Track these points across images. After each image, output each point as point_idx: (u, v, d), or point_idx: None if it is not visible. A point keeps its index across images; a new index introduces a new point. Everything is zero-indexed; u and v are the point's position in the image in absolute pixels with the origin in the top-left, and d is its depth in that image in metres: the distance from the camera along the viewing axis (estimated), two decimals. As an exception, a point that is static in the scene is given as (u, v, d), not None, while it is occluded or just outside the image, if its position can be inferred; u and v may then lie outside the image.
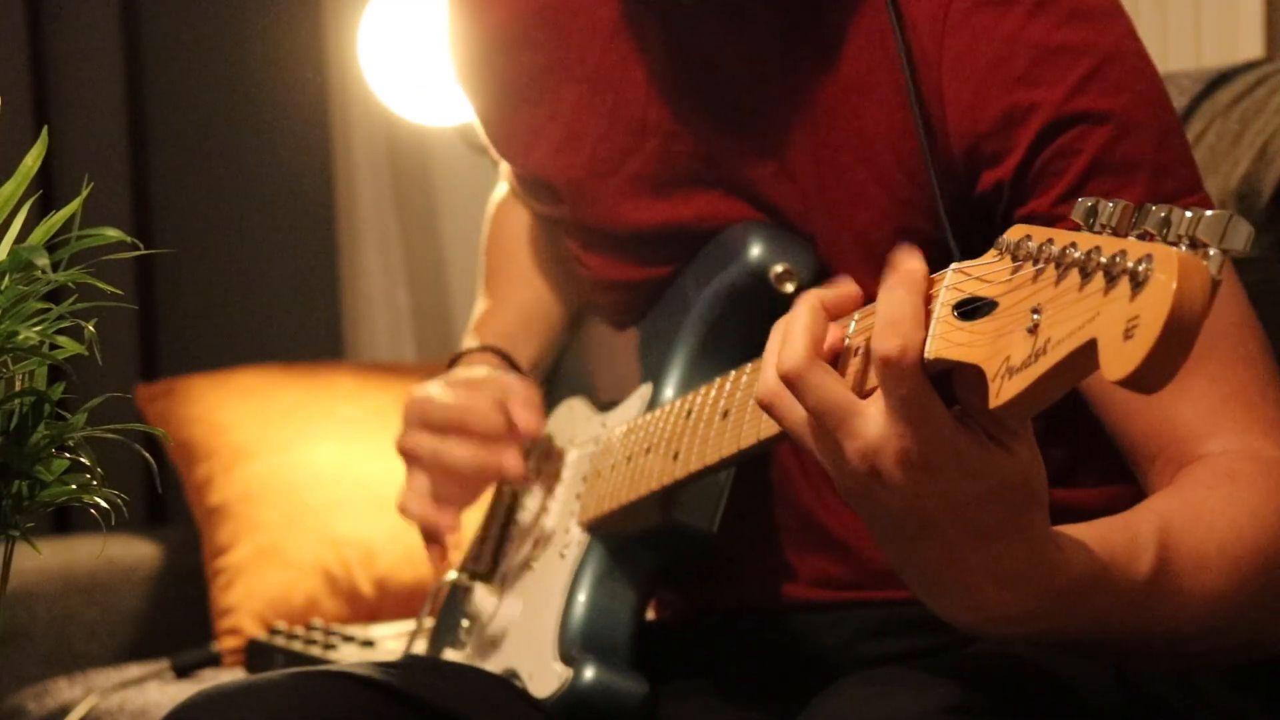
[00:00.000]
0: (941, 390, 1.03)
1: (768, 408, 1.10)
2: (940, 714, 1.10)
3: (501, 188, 1.73)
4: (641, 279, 1.46)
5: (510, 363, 1.57)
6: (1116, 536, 1.12)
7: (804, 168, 1.35)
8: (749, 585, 1.43)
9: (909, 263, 1.05)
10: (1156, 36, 2.33)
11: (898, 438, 1.02)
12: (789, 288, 1.35)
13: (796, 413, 1.08)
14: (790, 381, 1.07)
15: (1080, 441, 1.32)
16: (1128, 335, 0.86)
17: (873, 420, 1.03)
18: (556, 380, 1.60)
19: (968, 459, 1.02)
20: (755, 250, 1.36)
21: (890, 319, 1.02)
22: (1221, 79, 1.82)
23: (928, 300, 1.03)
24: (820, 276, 1.35)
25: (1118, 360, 0.87)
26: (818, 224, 1.36)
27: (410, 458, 1.51)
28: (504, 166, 1.67)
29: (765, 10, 1.36)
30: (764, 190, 1.37)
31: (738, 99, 1.38)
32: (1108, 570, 1.10)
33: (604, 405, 1.49)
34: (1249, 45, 2.29)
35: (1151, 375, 0.86)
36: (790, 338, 1.08)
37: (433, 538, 1.51)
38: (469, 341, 1.61)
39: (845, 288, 1.11)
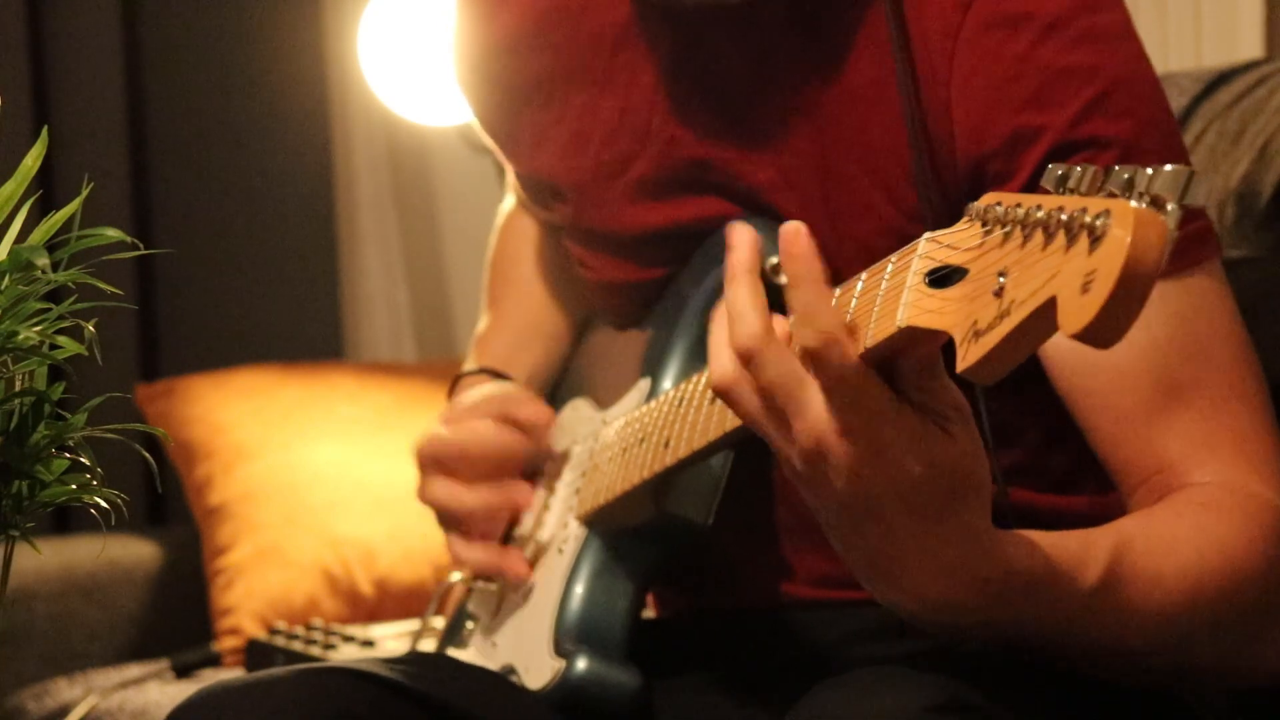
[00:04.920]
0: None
1: (725, 393, 1.12)
2: (924, 713, 1.10)
3: (509, 200, 1.72)
4: (642, 280, 1.46)
5: (506, 381, 1.58)
6: (1069, 544, 1.13)
7: (807, 176, 1.35)
8: (748, 584, 1.43)
9: (800, 254, 1.08)
10: (1156, 36, 2.33)
11: (840, 416, 1.05)
12: (784, 280, 1.35)
13: (751, 400, 1.10)
14: (748, 357, 1.08)
15: (1081, 450, 1.32)
16: (1084, 289, 0.87)
17: (819, 400, 1.06)
18: (561, 383, 1.61)
19: (910, 437, 1.05)
20: None
21: (805, 315, 1.06)
22: (1221, 79, 1.82)
23: (903, 269, 1.04)
24: None
25: (1074, 314, 0.88)
26: (820, 232, 1.36)
27: (434, 508, 1.51)
28: (510, 176, 1.67)
29: (774, 18, 1.36)
30: (766, 197, 1.37)
31: (742, 105, 1.38)
32: (1051, 573, 1.11)
33: (605, 403, 1.49)
34: (1249, 45, 2.29)
35: (1105, 329, 0.87)
36: (743, 314, 1.10)
37: (496, 575, 1.51)
38: (468, 364, 1.62)
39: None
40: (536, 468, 1.53)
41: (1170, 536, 1.18)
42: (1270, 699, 1.33)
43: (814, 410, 1.06)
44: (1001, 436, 1.31)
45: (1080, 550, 1.14)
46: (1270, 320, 1.52)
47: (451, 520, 1.51)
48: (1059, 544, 1.13)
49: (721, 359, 1.12)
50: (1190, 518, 1.20)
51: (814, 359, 1.05)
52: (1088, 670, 1.21)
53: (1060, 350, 1.27)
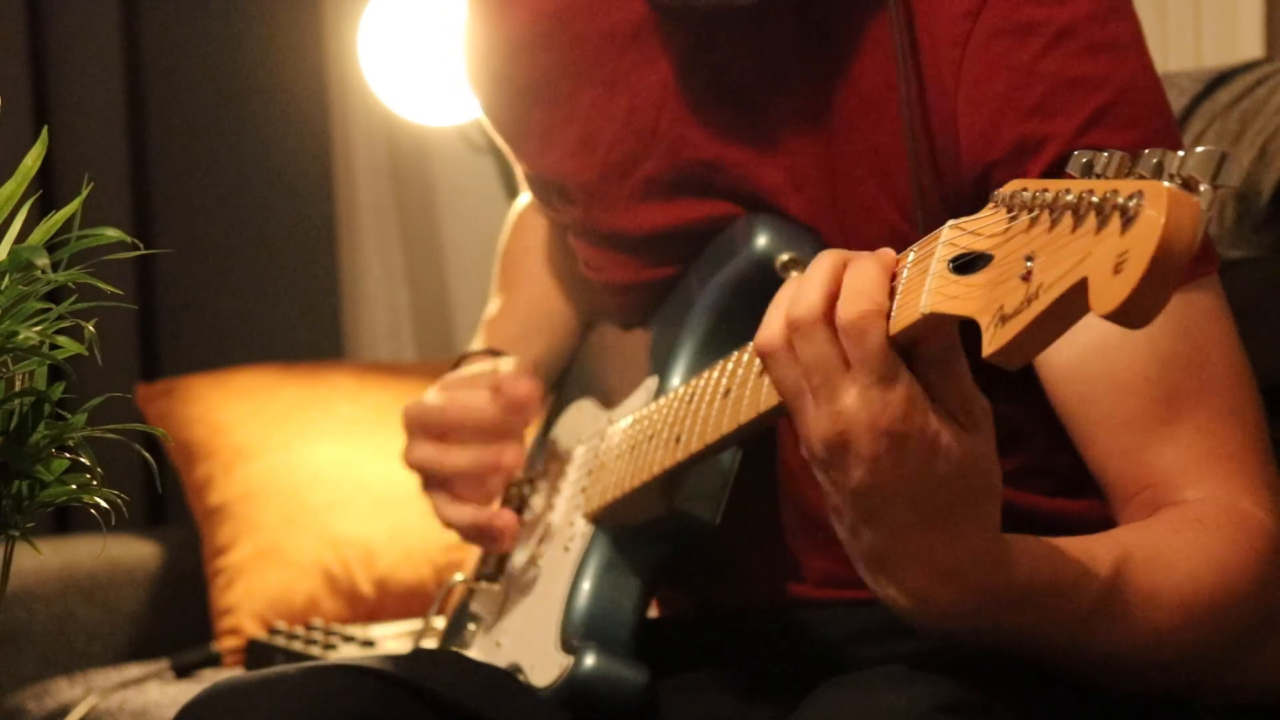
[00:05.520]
0: None
1: (765, 355, 1.11)
2: (930, 713, 1.10)
3: (524, 196, 1.73)
4: (648, 280, 1.47)
5: None
6: (1071, 554, 1.14)
7: (814, 178, 1.35)
8: (754, 583, 1.43)
9: (881, 247, 1.09)
10: (1156, 36, 2.33)
11: (869, 406, 1.05)
12: (794, 276, 1.35)
13: (790, 369, 1.10)
14: (796, 327, 1.08)
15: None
16: (1117, 270, 0.87)
17: (851, 389, 1.06)
18: (566, 384, 1.61)
19: (934, 434, 1.05)
20: (761, 240, 1.37)
21: (857, 287, 1.06)
22: (1221, 79, 1.82)
23: (925, 257, 1.04)
24: None
25: (1106, 295, 0.88)
26: (827, 235, 1.36)
27: (419, 471, 1.51)
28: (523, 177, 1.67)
29: (785, 20, 1.36)
30: (773, 199, 1.37)
31: (752, 107, 1.38)
32: (1053, 584, 1.12)
33: (611, 403, 1.49)
34: (1249, 45, 2.29)
35: (1138, 309, 0.87)
36: (807, 286, 1.10)
37: (484, 534, 1.50)
38: (475, 344, 1.62)
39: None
40: (535, 466, 1.53)
41: (1167, 552, 1.19)
42: (1270, 703, 1.33)
43: (847, 397, 1.06)
44: (1009, 439, 1.31)
45: (1081, 563, 1.14)
46: (1270, 320, 1.52)
47: (436, 482, 1.50)
48: (1061, 556, 1.13)
49: (774, 322, 1.11)
50: (1187, 534, 1.20)
51: (853, 334, 1.05)
52: (1083, 682, 1.21)
53: (1059, 359, 1.27)
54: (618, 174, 1.44)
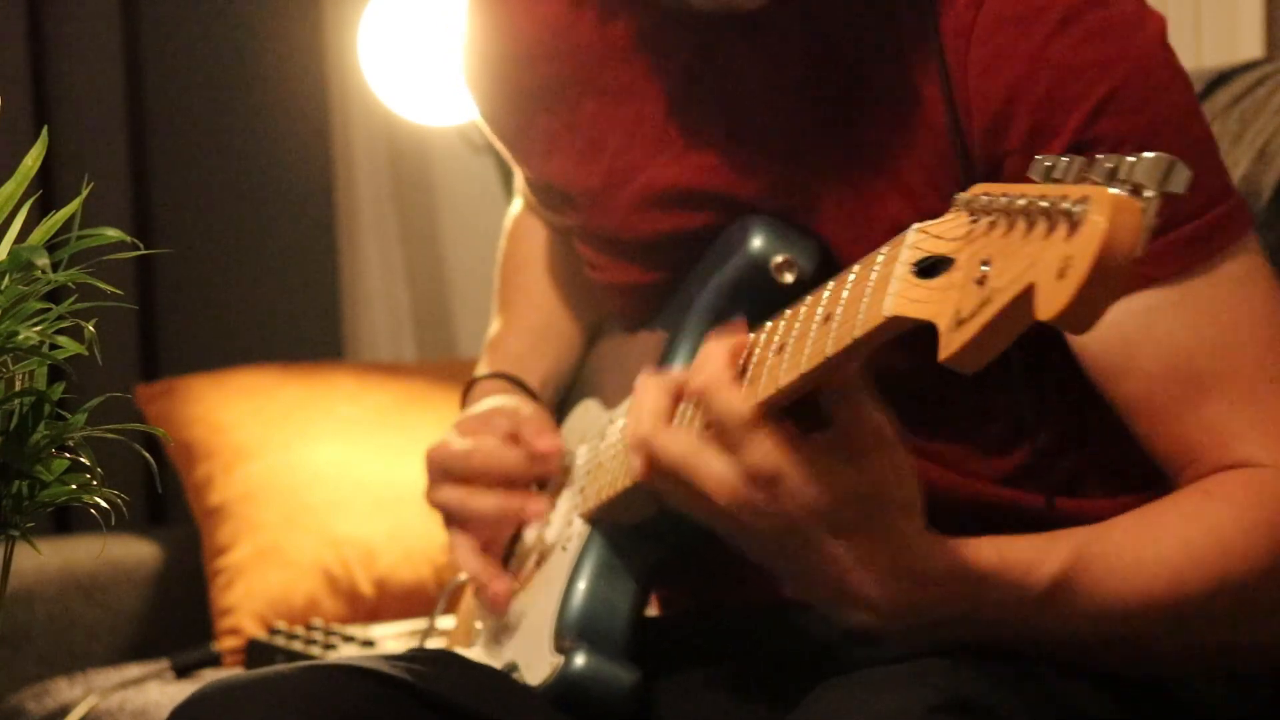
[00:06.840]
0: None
1: (644, 442, 1.22)
2: (928, 713, 1.11)
3: (516, 204, 1.72)
4: (651, 282, 1.47)
5: (521, 385, 1.58)
6: (1022, 542, 1.18)
7: (821, 182, 1.35)
8: (753, 583, 1.43)
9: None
10: (1156, 36, 2.33)
11: (735, 462, 1.15)
12: (788, 278, 1.36)
13: (677, 446, 1.19)
14: (705, 393, 1.17)
15: (1089, 453, 1.32)
16: (1061, 275, 0.89)
17: (715, 455, 1.17)
18: (574, 386, 1.61)
19: (810, 472, 1.13)
20: (756, 242, 1.37)
21: (699, 363, 1.18)
22: (1221, 79, 1.82)
23: (892, 260, 1.06)
24: (823, 266, 1.35)
25: (1049, 299, 0.89)
26: (833, 236, 1.36)
27: (442, 512, 1.52)
28: (519, 181, 1.67)
29: (788, 25, 1.36)
30: (779, 204, 1.37)
31: (757, 115, 1.38)
32: (1002, 567, 1.16)
33: (613, 403, 1.50)
34: (1249, 45, 2.29)
35: (1080, 314, 0.89)
36: (639, 411, 1.22)
37: (481, 591, 1.52)
38: (481, 368, 1.62)
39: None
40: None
41: (1158, 524, 1.21)
42: (1271, 690, 1.34)
43: (716, 467, 1.15)
44: (1012, 436, 1.31)
45: (1040, 545, 1.18)
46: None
47: (458, 523, 1.51)
48: (1013, 542, 1.17)
49: (645, 418, 1.22)
50: (1186, 504, 1.22)
51: (699, 397, 1.15)
52: (1085, 659, 1.22)
53: (1092, 354, 1.27)
54: (621, 180, 1.44)
